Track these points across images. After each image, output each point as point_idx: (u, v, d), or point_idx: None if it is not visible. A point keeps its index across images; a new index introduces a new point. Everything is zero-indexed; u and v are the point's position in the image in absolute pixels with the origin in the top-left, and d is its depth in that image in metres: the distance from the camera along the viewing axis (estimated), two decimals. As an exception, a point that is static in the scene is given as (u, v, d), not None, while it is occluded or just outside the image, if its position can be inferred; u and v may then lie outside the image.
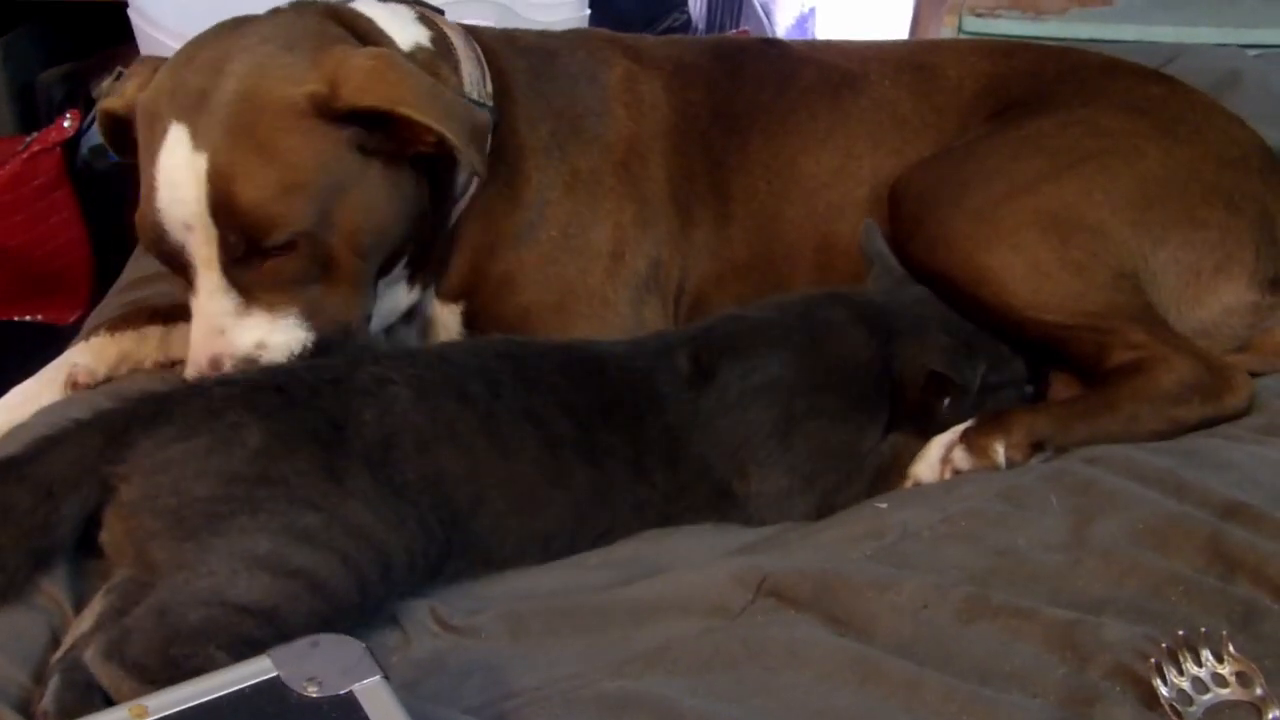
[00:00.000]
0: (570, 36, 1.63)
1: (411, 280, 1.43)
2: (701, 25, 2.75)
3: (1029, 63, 1.63)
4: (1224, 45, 2.20)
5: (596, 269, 1.48)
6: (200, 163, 1.23)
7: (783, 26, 3.10)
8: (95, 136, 2.65)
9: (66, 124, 2.50)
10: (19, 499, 1.03)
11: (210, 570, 0.96)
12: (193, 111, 1.25)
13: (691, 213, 1.55)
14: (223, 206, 1.23)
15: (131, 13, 2.11)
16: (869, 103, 1.60)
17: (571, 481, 1.16)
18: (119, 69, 2.69)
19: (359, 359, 1.18)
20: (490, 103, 1.44)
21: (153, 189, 1.26)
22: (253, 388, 1.11)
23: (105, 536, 1.04)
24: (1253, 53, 2.16)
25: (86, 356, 1.48)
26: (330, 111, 1.25)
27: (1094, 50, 1.75)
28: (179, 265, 1.28)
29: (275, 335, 1.27)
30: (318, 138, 1.26)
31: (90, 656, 0.91)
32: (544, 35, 1.61)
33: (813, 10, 3.22)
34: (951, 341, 1.32)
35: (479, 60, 1.46)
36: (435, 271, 1.46)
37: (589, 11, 2.07)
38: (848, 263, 1.52)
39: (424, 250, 1.41)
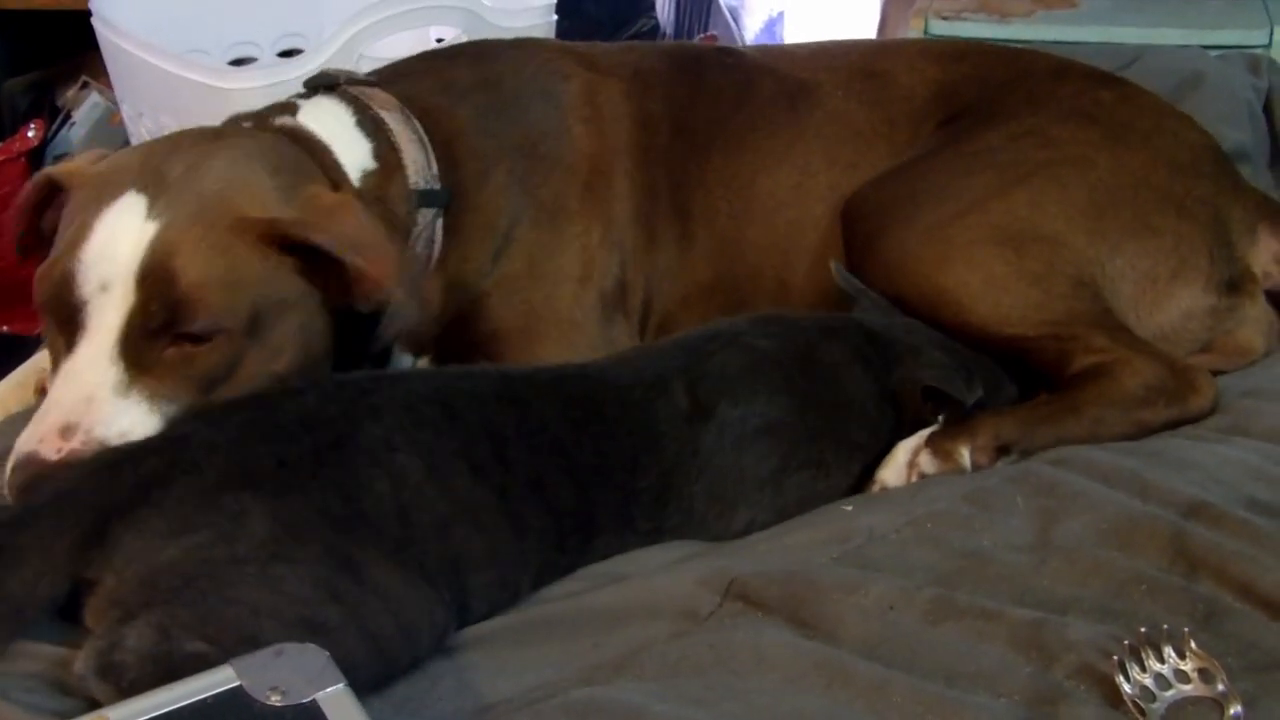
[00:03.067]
0: (517, 53, 1.59)
1: None
2: (670, 30, 2.76)
3: (978, 68, 1.63)
4: (1187, 46, 2.21)
5: (564, 293, 1.47)
6: (149, 229, 1.17)
7: (751, 31, 3.10)
8: (61, 145, 2.64)
9: (31, 134, 2.50)
10: None
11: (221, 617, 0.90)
12: (157, 188, 1.19)
13: (655, 233, 1.54)
14: (157, 274, 1.15)
15: (96, 22, 2.09)
16: (824, 116, 1.60)
17: (568, 545, 1.14)
18: (84, 78, 2.69)
19: (351, 408, 1.08)
20: (438, 184, 1.42)
21: (80, 243, 1.17)
22: (248, 458, 1.00)
23: (89, 618, 0.94)
24: (1215, 54, 2.17)
25: None
26: (285, 240, 1.20)
27: (1056, 52, 1.75)
28: (68, 324, 1.16)
29: (142, 430, 1.12)
30: (270, 257, 1.20)
31: (80, 667, 0.88)
32: (484, 60, 1.56)
33: (781, 14, 3.23)
34: (949, 360, 1.33)
35: (420, 141, 1.42)
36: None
37: (556, 17, 2.07)
38: (809, 283, 1.53)
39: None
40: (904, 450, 1.30)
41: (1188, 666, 0.95)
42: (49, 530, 0.94)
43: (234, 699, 0.78)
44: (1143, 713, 0.92)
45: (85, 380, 1.13)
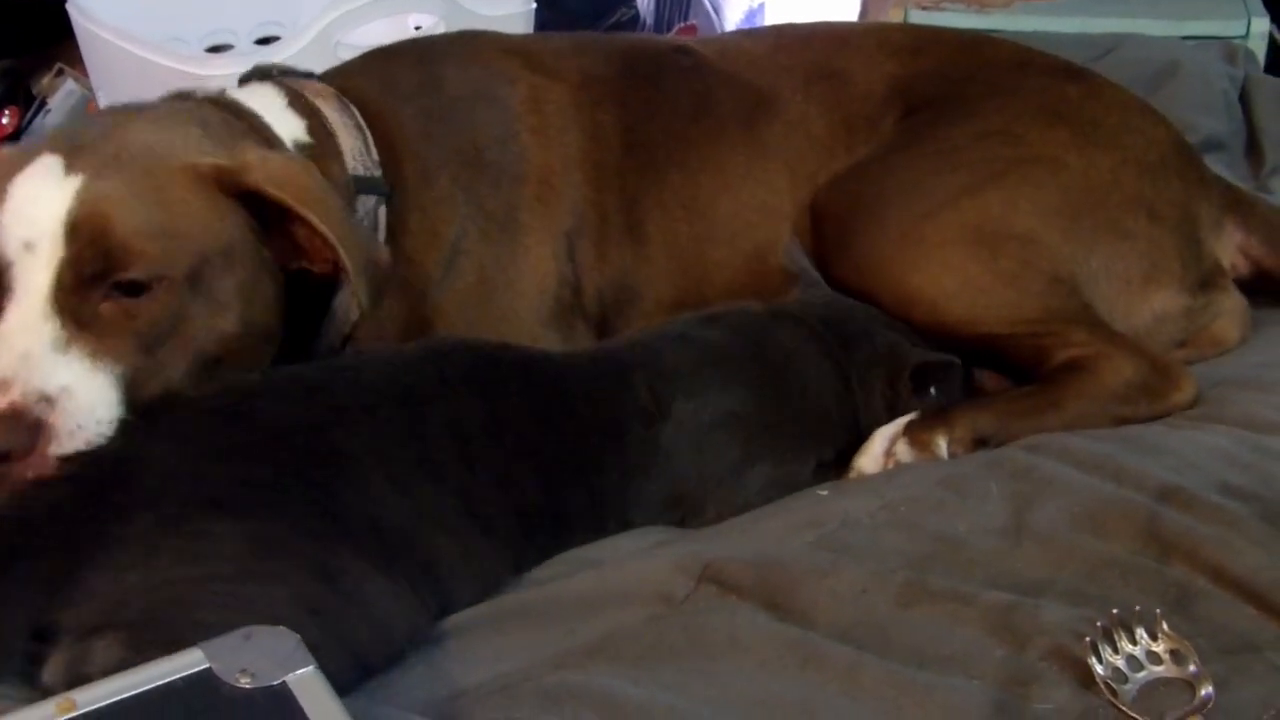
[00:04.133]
0: (458, 50, 1.53)
1: None
2: (650, 20, 2.75)
3: (937, 61, 1.59)
4: (1164, 36, 2.22)
5: (521, 306, 1.43)
6: (70, 184, 1.12)
7: (732, 22, 3.10)
8: (36, 133, 2.62)
9: (5, 121, 2.47)
10: None
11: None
12: (73, 150, 1.14)
13: (608, 253, 1.48)
14: (86, 225, 1.10)
15: (71, 8, 2.08)
16: (783, 127, 1.55)
17: (536, 542, 1.13)
18: (59, 65, 2.67)
19: (311, 413, 1.04)
20: (378, 171, 1.37)
21: None
22: (209, 482, 0.95)
23: (49, 671, 0.88)
24: (1191, 43, 2.18)
25: None
26: (232, 187, 1.16)
27: (1035, 43, 1.74)
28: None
29: (85, 386, 1.07)
30: (213, 202, 1.15)
31: (48, 678, 0.86)
32: (427, 61, 1.50)
33: (762, 5, 3.22)
34: (903, 339, 1.33)
35: (359, 128, 1.38)
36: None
37: (535, 5, 2.06)
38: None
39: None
40: (881, 439, 1.29)
41: (1160, 648, 0.95)
42: (12, 575, 0.90)
43: (203, 681, 0.77)
44: (1115, 694, 0.92)
45: (19, 340, 1.08)
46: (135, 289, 1.11)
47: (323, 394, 1.08)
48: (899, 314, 1.37)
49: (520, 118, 1.47)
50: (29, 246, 1.11)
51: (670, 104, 1.54)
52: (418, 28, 2.09)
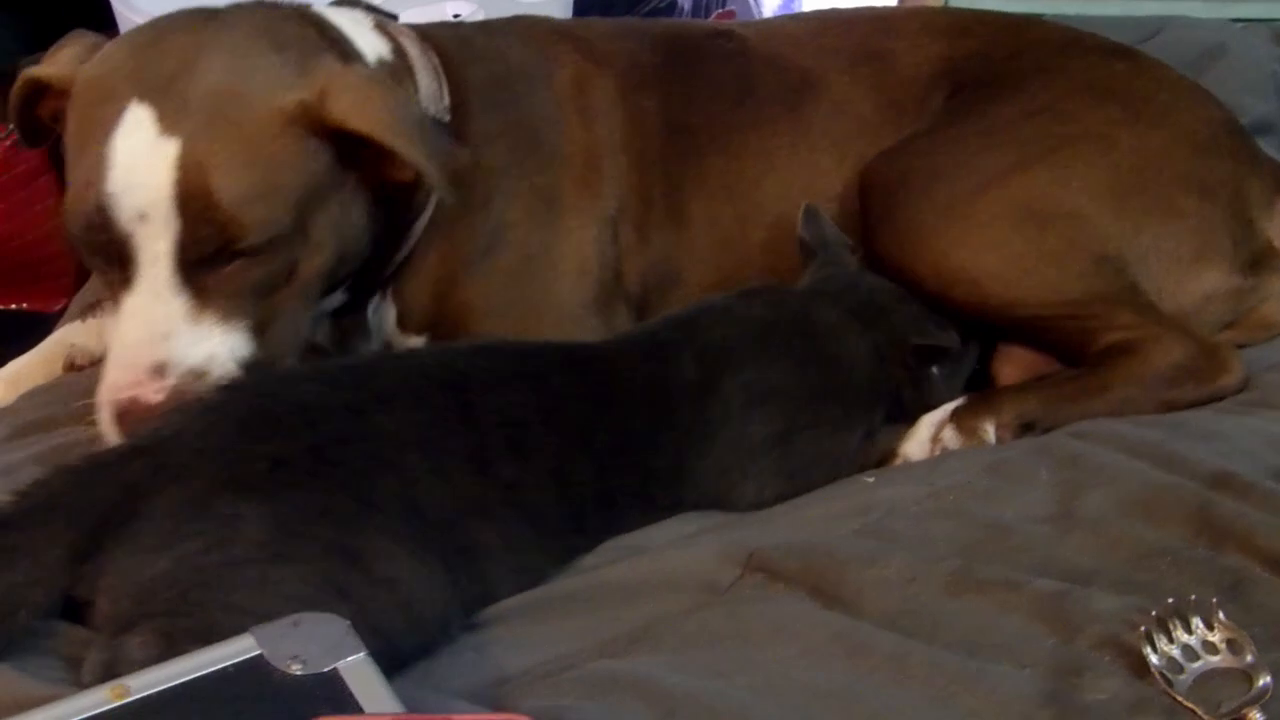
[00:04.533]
0: (520, 29, 1.54)
1: (346, 307, 1.37)
2: (687, 6, 2.74)
3: (983, 42, 1.58)
4: (1210, 19, 2.19)
5: (562, 288, 1.43)
6: (169, 148, 1.12)
7: (769, 8, 3.08)
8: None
9: (48, 112, 2.49)
10: None
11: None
12: (160, 94, 1.14)
13: (649, 236, 1.49)
14: (195, 199, 1.12)
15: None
16: (829, 108, 1.55)
17: (588, 527, 1.13)
18: (100, 56, 2.69)
19: (358, 396, 1.04)
20: (447, 118, 1.38)
21: (100, 170, 1.13)
22: (240, 460, 0.95)
23: (86, 672, 0.87)
24: (1239, 25, 2.15)
25: (85, 338, 1.47)
26: (316, 125, 1.18)
27: (1079, 25, 1.71)
28: (116, 258, 1.14)
29: (224, 348, 1.14)
30: (303, 146, 1.17)
31: (86, 676, 0.86)
32: (492, 33, 1.52)
33: (798, -10, 3.21)
34: (920, 310, 1.33)
35: (436, 72, 1.39)
36: (396, 303, 1.40)
37: (574, -8, 2.06)
38: None
39: (370, 276, 1.35)
40: (927, 425, 1.29)
41: (1215, 637, 0.94)
42: (40, 537, 0.90)
43: (253, 668, 0.77)
44: (1169, 684, 0.91)
45: (154, 316, 1.12)
46: (251, 251, 1.15)
47: (370, 379, 1.08)
48: (940, 292, 1.35)
49: (567, 100, 1.48)
50: (143, 217, 1.12)
51: (713, 88, 1.54)
52: (456, 15, 2.09)
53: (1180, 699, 0.90)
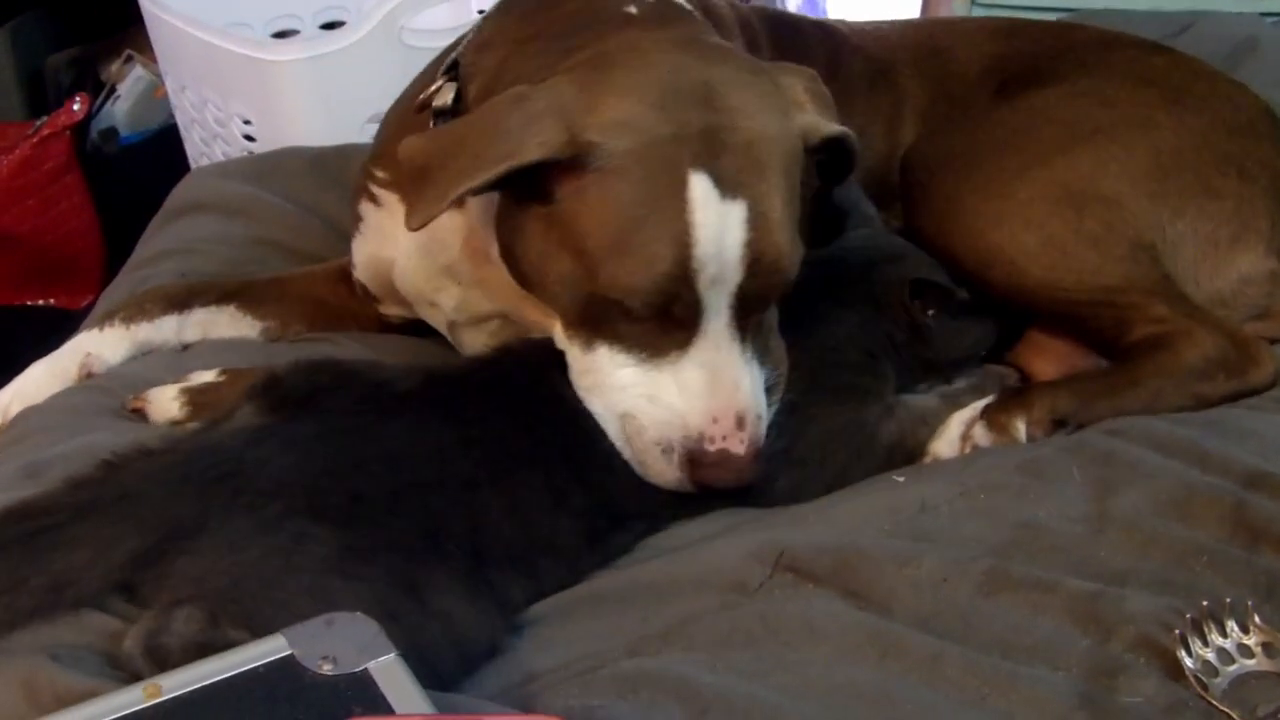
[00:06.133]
0: None
1: None
2: (712, 1, 2.73)
3: (1030, 41, 1.65)
4: (1241, 13, 2.17)
5: None
6: (736, 212, 1.11)
7: (793, 4, 3.07)
8: (105, 120, 2.65)
9: (76, 108, 2.50)
10: (23, 586, 0.90)
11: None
12: (709, 156, 1.11)
13: None
14: (762, 259, 1.12)
15: (139, -5, 2.11)
16: (895, 96, 1.63)
17: (631, 528, 1.15)
18: (128, 52, 2.70)
19: (444, 441, 1.07)
20: None
21: (684, 243, 1.10)
22: (319, 493, 0.97)
23: (129, 640, 0.89)
24: (1270, 20, 2.13)
25: (101, 346, 1.47)
26: (808, 144, 1.19)
27: (1108, 21, 1.78)
28: (676, 318, 1.13)
29: (764, 391, 1.17)
30: (806, 171, 1.19)
31: (128, 646, 0.88)
32: None
33: (824, -6, 3.19)
34: (928, 261, 1.35)
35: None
36: None
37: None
38: None
39: None
40: (957, 422, 1.28)
41: (1251, 641, 0.93)
42: (108, 533, 0.92)
43: (285, 668, 0.78)
44: (1205, 687, 0.90)
45: (725, 367, 1.14)
46: (779, 296, 1.18)
47: (460, 412, 1.10)
48: (977, 272, 1.36)
49: None
50: (716, 281, 1.12)
51: (809, 58, 1.56)
52: (481, 11, 2.09)
53: (1215, 703, 0.89)
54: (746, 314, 1.15)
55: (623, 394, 1.14)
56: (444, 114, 1.30)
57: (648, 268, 1.10)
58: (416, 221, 1.13)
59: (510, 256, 1.20)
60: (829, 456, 1.22)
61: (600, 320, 1.14)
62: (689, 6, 1.34)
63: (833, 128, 1.21)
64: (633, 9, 1.27)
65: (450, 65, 1.34)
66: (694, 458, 1.12)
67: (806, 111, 1.20)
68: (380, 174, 1.45)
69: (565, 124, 1.10)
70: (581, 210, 1.12)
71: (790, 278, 1.16)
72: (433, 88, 1.32)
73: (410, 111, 1.37)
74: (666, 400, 1.13)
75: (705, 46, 1.22)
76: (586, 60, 1.17)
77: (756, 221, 1.12)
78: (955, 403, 1.32)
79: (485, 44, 1.32)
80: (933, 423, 1.29)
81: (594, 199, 1.11)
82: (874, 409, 1.27)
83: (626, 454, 1.15)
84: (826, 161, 1.27)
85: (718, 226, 1.11)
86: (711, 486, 1.13)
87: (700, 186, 1.11)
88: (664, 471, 1.14)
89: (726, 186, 1.11)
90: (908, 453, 1.26)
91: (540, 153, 1.09)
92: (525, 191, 1.14)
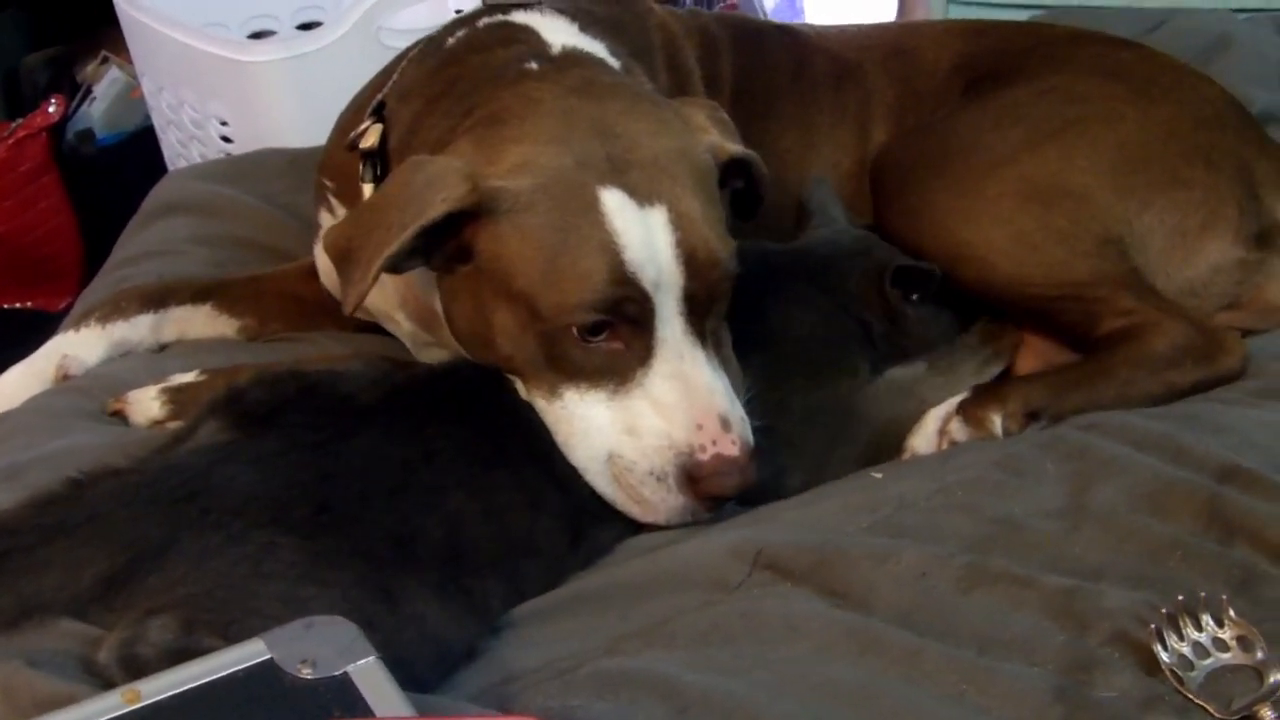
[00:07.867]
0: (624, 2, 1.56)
1: None
2: (689, 2, 2.74)
3: (998, 39, 1.67)
4: (1214, 9, 2.19)
5: None
6: (657, 215, 1.13)
7: (770, 6, 3.08)
8: (81, 121, 2.64)
9: (52, 109, 2.49)
10: None
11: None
12: (616, 175, 1.13)
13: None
14: (693, 254, 1.13)
15: (114, -4, 2.10)
16: (862, 94, 1.64)
17: (578, 549, 1.14)
18: (103, 53, 2.69)
19: (413, 447, 1.07)
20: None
21: (613, 251, 1.11)
22: (285, 506, 0.97)
23: (104, 651, 0.89)
24: (1243, 16, 2.14)
25: (77, 347, 1.47)
26: (719, 160, 1.22)
27: (1082, 18, 1.80)
28: (631, 327, 1.13)
29: (733, 391, 1.16)
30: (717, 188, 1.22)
31: (104, 656, 0.87)
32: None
33: (800, -10, 3.19)
34: (897, 253, 1.38)
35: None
36: None
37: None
38: None
39: None
40: (934, 418, 1.29)
41: (1226, 634, 0.94)
42: (76, 555, 0.92)
43: (265, 672, 0.77)
44: (1180, 681, 0.91)
45: (696, 372, 1.14)
46: (721, 297, 1.18)
47: (424, 422, 1.10)
48: (948, 269, 1.37)
49: (662, 64, 1.52)
50: (658, 285, 1.13)
51: (773, 64, 1.63)
52: (458, 11, 2.08)
53: (1191, 696, 0.90)
54: (700, 318, 1.15)
55: (601, 435, 1.13)
56: (370, 155, 1.32)
57: (585, 281, 1.11)
58: (351, 303, 1.15)
59: (455, 327, 1.21)
60: (806, 440, 1.23)
61: (558, 359, 1.13)
62: (596, 51, 1.33)
63: (739, 149, 1.23)
64: (532, 64, 1.26)
65: (378, 106, 1.36)
66: (691, 473, 1.12)
67: (711, 134, 1.22)
68: (329, 183, 1.48)
69: (465, 176, 1.11)
70: (502, 254, 1.13)
71: (730, 271, 1.16)
72: (361, 128, 1.34)
73: (357, 119, 1.39)
74: (646, 425, 1.13)
75: (601, 86, 1.23)
76: (483, 117, 1.19)
77: (680, 222, 1.13)
78: (941, 368, 1.35)
79: (405, 94, 1.34)
80: (918, 391, 1.31)
81: (512, 241, 1.12)
82: (849, 384, 1.28)
83: (618, 501, 1.14)
84: (741, 191, 1.28)
85: (642, 231, 1.12)
86: (719, 496, 1.12)
87: (613, 199, 1.12)
88: (665, 500, 1.13)
89: (641, 195, 1.13)
90: (896, 423, 1.29)
91: (445, 207, 1.10)
92: (450, 259, 1.16)
